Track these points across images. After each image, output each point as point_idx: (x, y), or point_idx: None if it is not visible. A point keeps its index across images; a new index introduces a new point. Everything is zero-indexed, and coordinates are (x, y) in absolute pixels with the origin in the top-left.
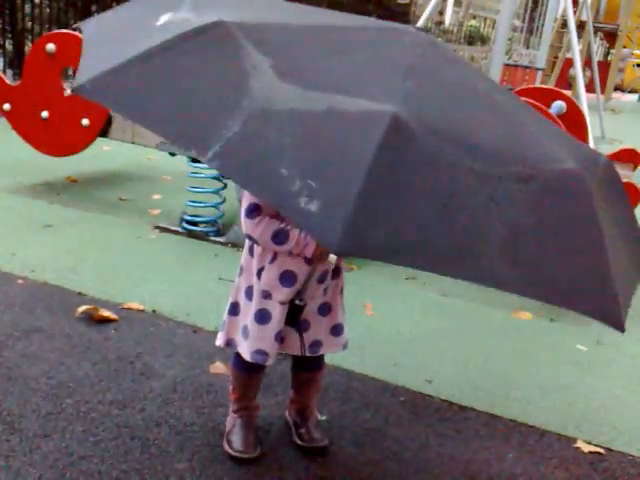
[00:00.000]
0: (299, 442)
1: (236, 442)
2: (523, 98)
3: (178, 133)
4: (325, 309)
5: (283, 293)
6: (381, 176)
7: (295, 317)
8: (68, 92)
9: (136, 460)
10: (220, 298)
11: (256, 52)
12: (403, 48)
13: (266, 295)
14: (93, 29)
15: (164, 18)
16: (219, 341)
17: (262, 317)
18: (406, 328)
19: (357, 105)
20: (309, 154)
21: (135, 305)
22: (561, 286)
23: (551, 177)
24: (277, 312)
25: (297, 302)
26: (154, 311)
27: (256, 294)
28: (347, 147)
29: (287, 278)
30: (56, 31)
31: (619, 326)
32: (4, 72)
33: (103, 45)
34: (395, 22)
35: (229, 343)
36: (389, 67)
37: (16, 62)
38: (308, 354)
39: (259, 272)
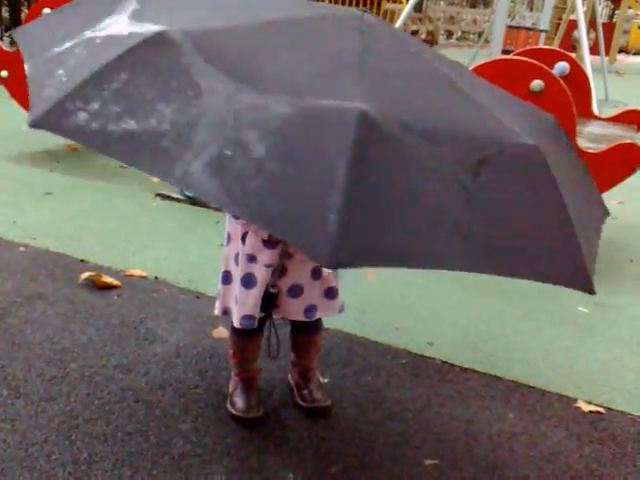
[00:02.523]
0: (301, 403)
1: (239, 403)
2: (525, 58)
3: (150, 166)
4: (317, 272)
5: (267, 256)
6: (359, 175)
7: (269, 304)
8: None
9: (140, 422)
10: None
11: (211, 69)
12: (352, 37)
13: (251, 259)
14: (32, 37)
15: (104, 27)
16: (216, 310)
17: (248, 281)
18: (408, 292)
19: (325, 105)
20: (288, 166)
21: (137, 272)
22: (531, 262)
23: (510, 154)
24: (262, 277)
25: (270, 290)
26: (156, 278)
27: (242, 259)
28: (322, 149)
29: (270, 240)
30: None
31: (590, 290)
32: (1, 39)
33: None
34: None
35: (226, 312)
36: (341, 61)
37: (13, 29)
38: (304, 319)
39: (243, 237)
